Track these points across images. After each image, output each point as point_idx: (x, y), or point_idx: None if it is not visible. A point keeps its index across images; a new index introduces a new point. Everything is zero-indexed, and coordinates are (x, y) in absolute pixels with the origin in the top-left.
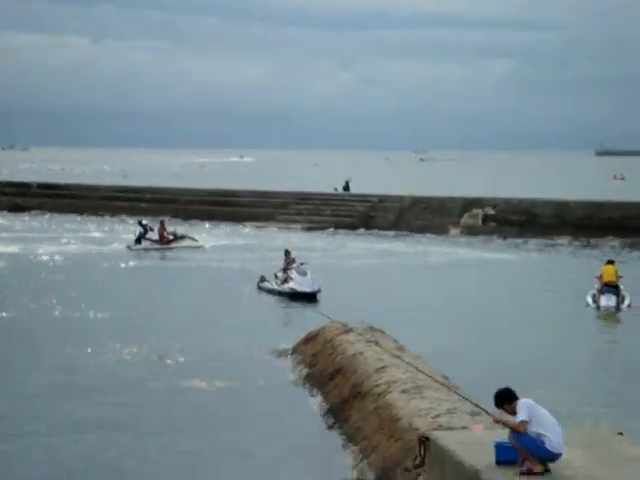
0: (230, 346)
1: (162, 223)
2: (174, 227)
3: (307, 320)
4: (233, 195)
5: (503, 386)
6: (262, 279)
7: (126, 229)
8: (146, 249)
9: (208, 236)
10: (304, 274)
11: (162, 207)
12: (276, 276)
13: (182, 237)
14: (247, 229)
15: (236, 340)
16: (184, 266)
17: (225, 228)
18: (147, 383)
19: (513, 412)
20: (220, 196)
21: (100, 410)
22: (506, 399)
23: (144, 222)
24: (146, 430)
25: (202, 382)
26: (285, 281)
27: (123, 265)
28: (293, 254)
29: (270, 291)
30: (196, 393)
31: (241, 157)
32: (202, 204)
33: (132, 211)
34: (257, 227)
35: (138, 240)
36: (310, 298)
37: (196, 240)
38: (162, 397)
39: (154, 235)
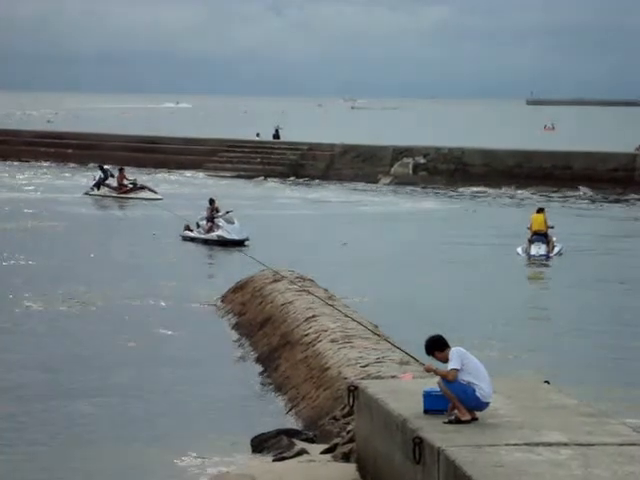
0: (156, 295)
1: (121, 171)
2: (134, 177)
3: (236, 269)
4: (160, 142)
5: (434, 333)
6: (186, 228)
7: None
8: (103, 196)
9: (168, 184)
10: (231, 222)
11: (87, 153)
12: (198, 225)
13: (142, 187)
14: (174, 177)
15: (162, 289)
16: (120, 215)
17: (153, 176)
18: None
19: (444, 360)
20: (147, 143)
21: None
22: (437, 346)
23: (105, 167)
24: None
25: (129, 330)
26: (210, 230)
27: (73, 212)
28: (220, 203)
29: (195, 239)
30: (122, 342)
31: (177, 103)
32: (128, 151)
33: (56, 157)
34: (185, 175)
35: (97, 185)
36: (238, 246)
37: (155, 192)
38: (86, 348)
39: (113, 182)
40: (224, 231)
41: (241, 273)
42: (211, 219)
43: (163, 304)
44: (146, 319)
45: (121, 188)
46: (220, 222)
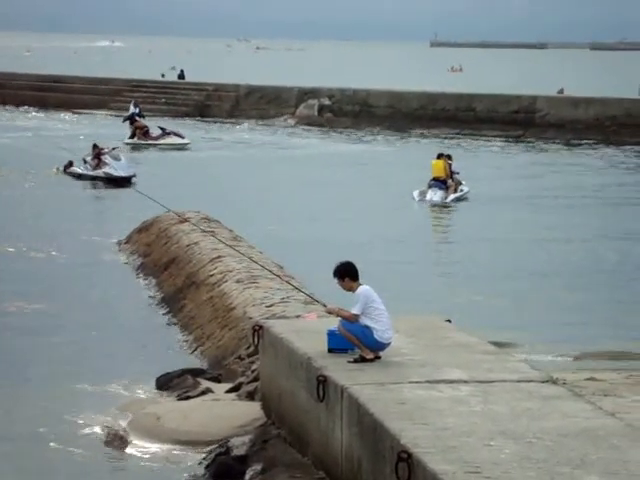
0: (55, 233)
1: (144, 118)
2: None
3: (139, 209)
4: (64, 81)
5: (347, 260)
6: (70, 164)
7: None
8: (136, 144)
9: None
10: (118, 159)
11: None
12: (85, 161)
13: (169, 133)
14: (73, 116)
15: (60, 228)
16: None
17: (61, 115)
18: None
19: (348, 289)
20: (51, 82)
21: None
22: (349, 274)
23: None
24: None
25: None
26: (97, 167)
27: None
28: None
29: (81, 176)
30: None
31: (112, 42)
32: (32, 90)
33: None
34: (84, 114)
35: (129, 119)
36: (126, 182)
37: (183, 137)
38: None
39: (143, 121)
40: (111, 168)
41: (145, 213)
42: (98, 156)
43: (64, 244)
44: (49, 259)
45: (147, 135)
46: (107, 159)
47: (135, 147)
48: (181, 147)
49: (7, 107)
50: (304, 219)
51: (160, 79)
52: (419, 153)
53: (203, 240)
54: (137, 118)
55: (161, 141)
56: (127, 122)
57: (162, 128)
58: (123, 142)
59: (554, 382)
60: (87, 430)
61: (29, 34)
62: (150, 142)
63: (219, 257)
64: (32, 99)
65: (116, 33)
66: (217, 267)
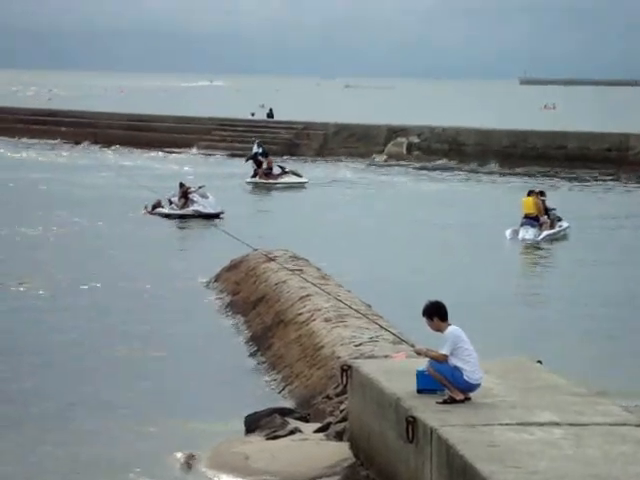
0: (150, 272)
1: (268, 156)
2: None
3: (226, 249)
4: (154, 120)
5: (437, 299)
6: (158, 204)
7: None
8: (256, 183)
9: (157, 163)
10: (206, 196)
11: (81, 131)
12: (171, 201)
13: (288, 172)
14: (177, 155)
15: (148, 266)
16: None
17: (152, 154)
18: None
19: (436, 329)
20: (141, 121)
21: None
22: (438, 313)
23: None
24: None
25: (121, 307)
26: (185, 205)
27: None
28: (197, 183)
29: (168, 216)
30: (115, 323)
31: (211, 82)
32: (122, 129)
33: (51, 135)
34: (174, 153)
35: (255, 161)
36: (214, 219)
37: (300, 176)
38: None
39: (264, 163)
40: (200, 205)
41: (231, 253)
42: (185, 195)
43: (150, 285)
44: (137, 297)
45: (269, 174)
46: (195, 197)
47: (256, 186)
48: (299, 186)
49: (99, 146)
50: (392, 258)
51: (249, 118)
52: (509, 191)
53: (291, 278)
54: (260, 158)
55: (280, 180)
56: (250, 161)
57: (281, 167)
58: (245, 181)
59: None
60: (175, 468)
61: (133, 74)
62: (270, 181)
63: (307, 295)
64: (123, 138)
65: (214, 72)
66: (305, 305)
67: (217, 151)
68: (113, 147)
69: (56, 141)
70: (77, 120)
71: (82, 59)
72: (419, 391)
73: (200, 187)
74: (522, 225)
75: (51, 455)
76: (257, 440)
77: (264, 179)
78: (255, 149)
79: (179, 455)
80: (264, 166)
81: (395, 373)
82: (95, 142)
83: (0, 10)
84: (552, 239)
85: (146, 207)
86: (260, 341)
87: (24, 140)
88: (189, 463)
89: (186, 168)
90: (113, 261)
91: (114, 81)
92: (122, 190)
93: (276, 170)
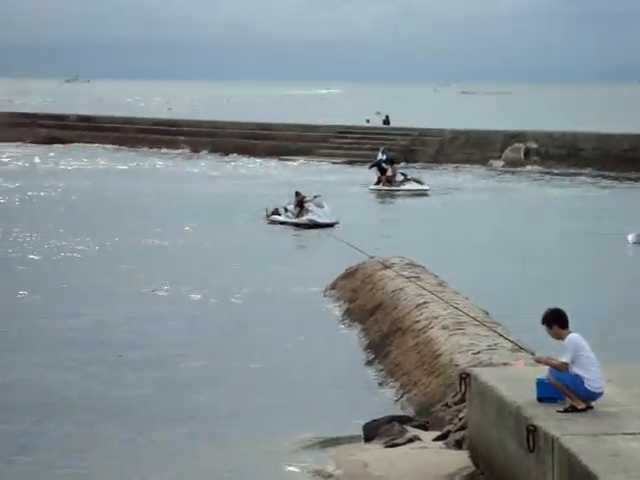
0: (270, 281)
1: (393, 164)
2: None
3: (341, 256)
4: (272, 129)
5: (557, 307)
6: (275, 211)
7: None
8: (379, 190)
9: (275, 171)
10: (321, 206)
11: (200, 140)
12: (286, 209)
13: (409, 179)
14: (295, 163)
15: (273, 274)
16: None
17: (270, 162)
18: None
19: (556, 337)
20: (260, 129)
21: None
22: (558, 321)
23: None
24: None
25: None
26: (300, 214)
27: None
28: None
29: (284, 223)
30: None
31: (328, 90)
32: (242, 138)
33: (170, 144)
34: (301, 162)
35: (379, 168)
36: (329, 228)
37: (422, 183)
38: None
39: (389, 170)
40: (315, 215)
41: (346, 261)
42: (300, 204)
43: (274, 288)
44: (259, 301)
45: (391, 182)
46: (310, 207)
47: (378, 193)
48: (421, 193)
49: (219, 155)
50: (509, 264)
51: (365, 125)
52: (631, 195)
53: (408, 286)
54: (384, 165)
55: (402, 187)
56: (374, 168)
57: (403, 174)
58: (368, 188)
59: None
60: (295, 475)
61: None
62: (393, 188)
63: (424, 303)
64: (241, 147)
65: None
66: (423, 313)
67: (335, 158)
68: (231, 155)
69: (177, 151)
70: (195, 129)
71: (195, 70)
72: (539, 399)
73: (316, 196)
74: None
75: (192, 468)
76: (376, 448)
77: (387, 186)
78: (380, 156)
79: (302, 463)
80: (388, 173)
81: (514, 381)
82: (214, 150)
83: (127, 25)
84: None
85: (266, 211)
86: (377, 349)
87: (145, 149)
88: (316, 470)
89: (306, 177)
90: (229, 270)
91: (233, 91)
92: (242, 199)
93: (398, 177)
